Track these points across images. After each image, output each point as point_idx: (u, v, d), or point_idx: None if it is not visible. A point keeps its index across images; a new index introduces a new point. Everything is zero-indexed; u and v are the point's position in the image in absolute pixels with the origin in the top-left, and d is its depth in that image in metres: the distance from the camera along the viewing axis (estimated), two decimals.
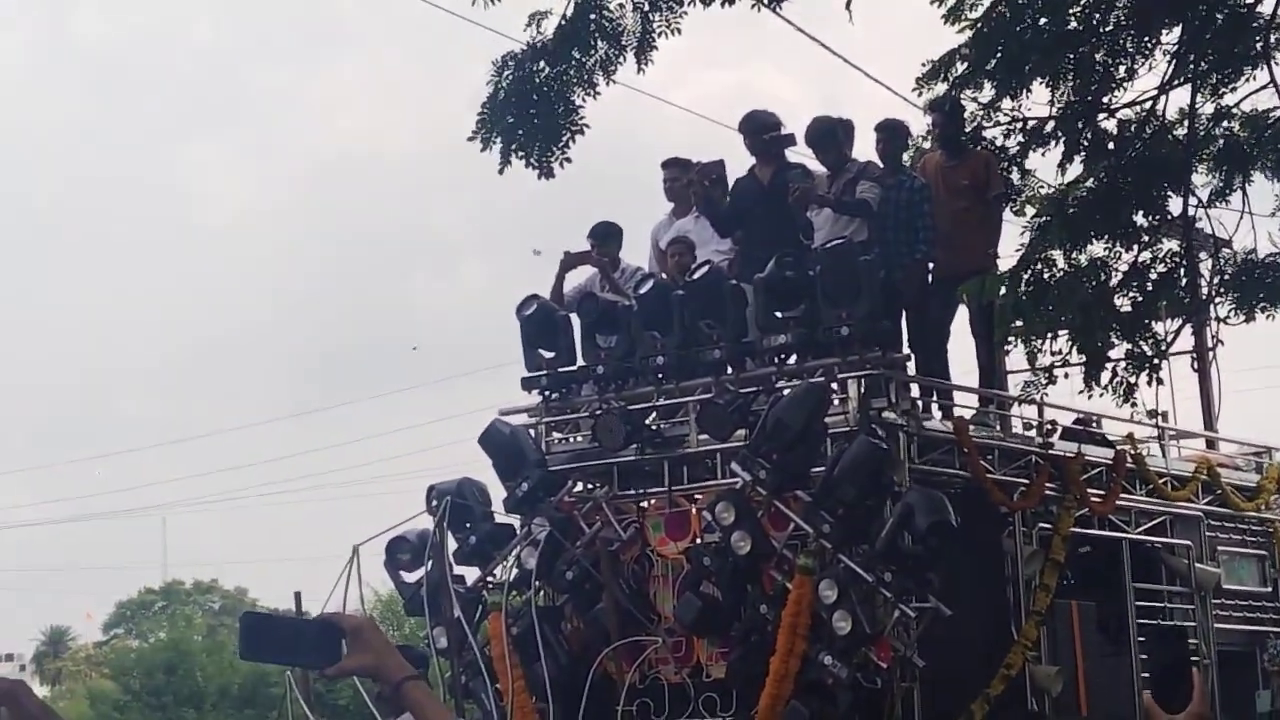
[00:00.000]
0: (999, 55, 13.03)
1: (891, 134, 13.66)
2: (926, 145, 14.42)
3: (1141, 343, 12.76)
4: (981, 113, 13.76)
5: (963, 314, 13.64)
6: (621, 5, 12.73)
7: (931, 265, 13.34)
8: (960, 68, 13.49)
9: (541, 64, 12.79)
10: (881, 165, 13.36)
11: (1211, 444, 16.65)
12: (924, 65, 13.78)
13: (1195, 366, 17.90)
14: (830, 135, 13.25)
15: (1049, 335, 12.80)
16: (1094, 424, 14.35)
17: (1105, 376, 12.74)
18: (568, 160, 13.00)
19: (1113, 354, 12.84)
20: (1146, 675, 13.47)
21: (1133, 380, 12.86)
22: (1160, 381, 12.95)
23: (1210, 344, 16.62)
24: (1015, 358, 14.24)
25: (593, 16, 12.57)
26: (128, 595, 79.56)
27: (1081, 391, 12.78)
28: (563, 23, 12.67)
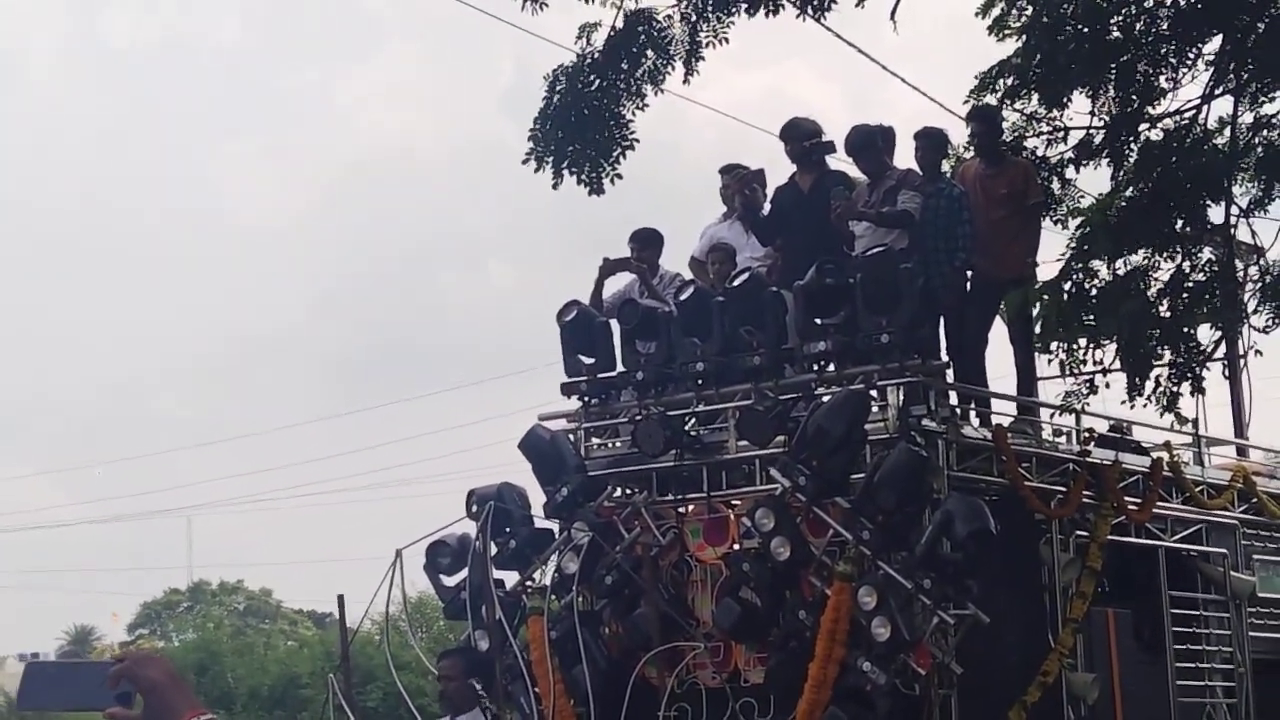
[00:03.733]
0: (1041, 66, 13.05)
1: (931, 142, 13.67)
2: (968, 155, 14.42)
3: (1186, 352, 12.79)
4: (1024, 123, 13.78)
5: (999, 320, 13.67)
6: (669, 16, 12.80)
7: (970, 273, 13.38)
8: (1007, 81, 13.51)
9: (592, 76, 12.87)
10: (921, 173, 13.39)
11: (1242, 451, 16.65)
12: (975, 78, 13.79)
13: (1226, 374, 17.88)
14: (870, 143, 13.28)
15: (1091, 345, 12.82)
16: (1127, 431, 14.37)
17: (1149, 386, 12.78)
18: (618, 176, 13.12)
19: (1155, 363, 12.88)
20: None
21: (1175, 389, 12.90)
22: (1203, 391, 12.97)
23: (1243, 352, 16.60)
24: (1045, 365, 14.26)
25: (641, 28, 12.64)
26: (153, 596, 79.75)
27: (1124, 401, 12.82)
28: (612, 34, 12.75)
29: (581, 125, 13.08)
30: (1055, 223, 14.22)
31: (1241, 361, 17.26)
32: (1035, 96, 13.43)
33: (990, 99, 13.70)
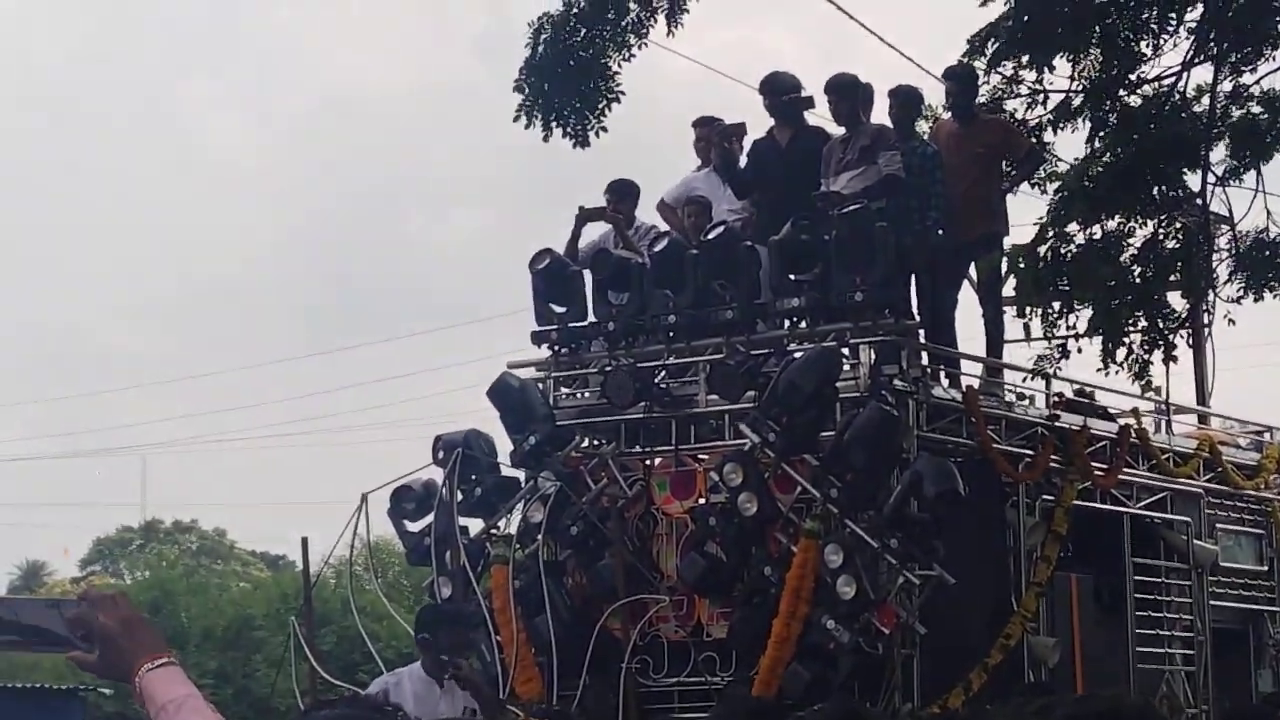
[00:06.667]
0: (1025, 29, 13.00)
1: (904, 100, 13.56)
2: (946, 116, 14.32)
3: (1159, 320, 12.82)
4: (1005, 86, 13.74)
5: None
6: None
7: (940, 232, 13.31)
8: (993, 45, 13.45)
9: (578, 26, 12.79)
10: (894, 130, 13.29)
11: (1204, 419, 16.68)
12: (967, 42, 13.71)
13: (1191, 343, 17.88)
14: (852, 89, 13.13)
15: (1065, 310, 12.82)
16: (1092, 397, 14.36)
17: (1121, 353, 12.80)
18: (603, 129, 13.10)
19: (1129, 330, 12.90)
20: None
21: (1147, 358, 12.92)
22: (1175, 359, 12.99)
23: (1208, 321, 16.58)
24: (1014, 328, 14.23)
25: None
26: (105, 533, 79.47)
27: (1099, 369, 12.83)
28: None
29: (569, 78, 13.03)
30: (1033, 186, 14.21)
31: (1206, 330, 17.26)
32: (1024, 59, 13.37)
33: (980, 63, 13.63)
